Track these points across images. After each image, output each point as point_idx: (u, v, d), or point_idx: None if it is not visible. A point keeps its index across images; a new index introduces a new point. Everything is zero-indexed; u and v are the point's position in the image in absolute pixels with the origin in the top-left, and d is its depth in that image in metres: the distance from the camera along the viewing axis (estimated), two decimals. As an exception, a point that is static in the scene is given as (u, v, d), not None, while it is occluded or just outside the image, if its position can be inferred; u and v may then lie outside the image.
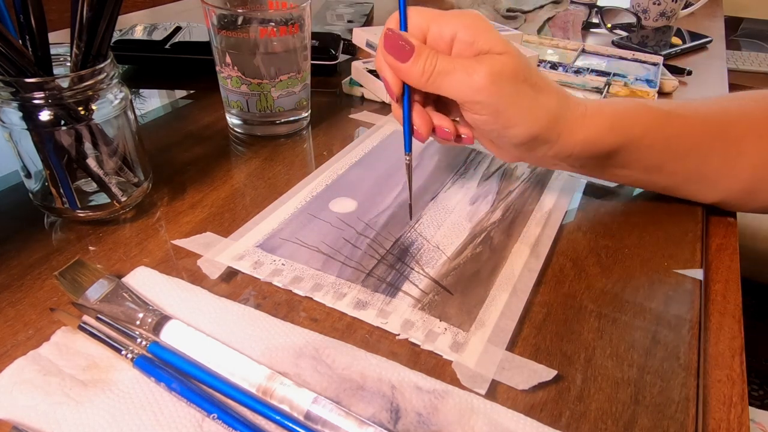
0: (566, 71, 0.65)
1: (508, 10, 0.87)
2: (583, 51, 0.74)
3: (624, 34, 0.85)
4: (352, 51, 0.69)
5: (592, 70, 0.64)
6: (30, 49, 0.32)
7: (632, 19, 0.90)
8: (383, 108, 0.56)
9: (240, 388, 0.25)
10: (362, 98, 0.59)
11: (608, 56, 0.71)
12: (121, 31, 0.64)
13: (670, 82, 0.64)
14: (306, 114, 0.52)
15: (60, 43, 0.35)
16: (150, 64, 0.63)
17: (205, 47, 0.56)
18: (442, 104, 0.37)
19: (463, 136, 0.37)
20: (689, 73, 0.69)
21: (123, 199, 0.37)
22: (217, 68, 0.47)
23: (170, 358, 0.26)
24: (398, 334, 0.30)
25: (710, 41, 0.84)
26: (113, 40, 0.54)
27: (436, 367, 0.28)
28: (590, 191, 0.44)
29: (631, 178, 0.40)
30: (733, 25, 1.70)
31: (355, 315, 0.31)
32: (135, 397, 0.25)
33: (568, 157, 0.36)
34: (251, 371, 0.26)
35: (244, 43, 0.45)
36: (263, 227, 0.37)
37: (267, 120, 0.49)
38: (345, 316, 0.31)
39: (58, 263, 0.33)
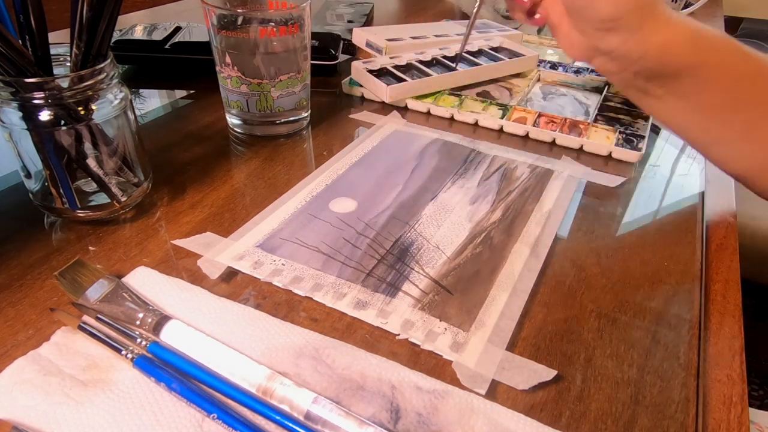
0: (566, 71, 0.65)
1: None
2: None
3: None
4: (352, 51, 0.69)
5: (592, 70, 0.64)
6: (30, 49, 0.32)
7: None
8: (383, 108, 0.56)
9: (240, 388, 0.25)
10: (362, 98, 0.59)
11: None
12: (121, 31, 0.64)
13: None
14: (306, 114, 0.52)
15: (60, 43, 0.35)
16: (150, 64, 0.63)
17: (205, 47, 0.56)
18: None
19: (537, 16, 0.39)
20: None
21: (123, 199, 0.37)
22: (217, 68, 0.47)
23: (170, 358, 0.26)
24: (398, 334, 0.30)
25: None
26: (113, 40, 0.54)
27: (436, 367, 0.28)
28: (590, 191, 0.44)
29: (681, 116, 0.38)
30: (733, 25, 1.70)
31: (355, 315, 0.31)
32: (135, 397, 0.25)
33: (639, 60, 0.35)
34: (251, 371, 0.26)
35: (244, 43, 0.45)
36: (263, 227, 0.37)
37: (267, 120, 0.49)
38: (345, 316, 0.31)
39: (58, 263, 0.33)
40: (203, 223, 0.38)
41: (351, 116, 0.55)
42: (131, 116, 0.37)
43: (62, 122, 0.33)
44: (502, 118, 0.53)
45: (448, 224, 0.39)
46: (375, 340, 0.29)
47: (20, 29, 0.32)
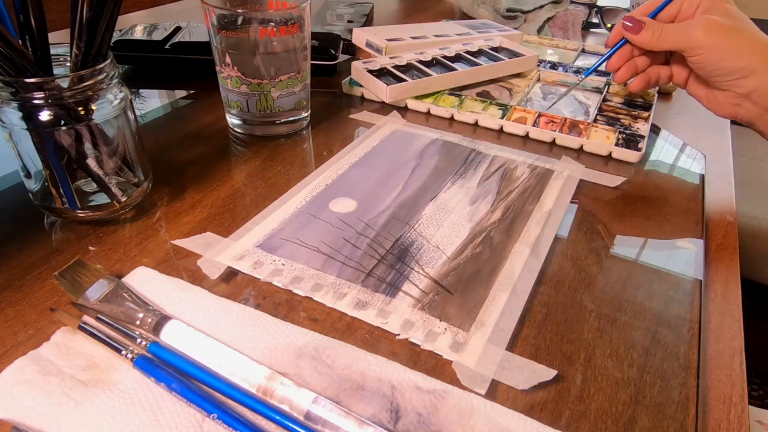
0: (566, 71, 0.65)
1: (508, 10, 0.87)
2: (583, 51, 0.74)
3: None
4: (352, 51, 0.69)
5: (592, 71, 0.64)
6: (30, 49, 0.32)
7: (632, 19, 0.90)
8: (383, 108, 0.56)
9: (240, 388, 0.25)
10: (362, 98, 0.59)
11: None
12: (121, 31, 0.64)
13: (670, 82, 0.64)
14: (306, 114, 0.52)
15: (60, 43, 0.35)
16: (150, 64, 0.63)
17: (205, 47, 0.56)
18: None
19: (630, 81, 0.51)
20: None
21: (123, 199, 0.37)
22: (217, 68, 0.47)
23: (170, 358, 0.26)
24: (398, 334, 0.30)
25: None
26: (113, 40, 0.54)
27: (436, 367, 0.28)
28: (590, 191, 0.44)
29: None
30: (733, 25, 1.69)
31: (355, 315, 0.31)
32: (135, 397, 0.25)
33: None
34: (251, 371, 0.26)
35: (244, 43, 0.45)
36: (263, 227, 0.37)
37: (267, 120, 0.49)
38: (345, 316, 0.31)
39: (58, 263, 0.33)
40: (203, 223, 0.38)
41: (351, 116, 0.55)
42: (131, 116, 0.37)
43: (62, 122, 0.33)
44: (502, 118, 0.53)
45: (448, 224, 0.39)
46: (375, 340, 0.29)
47: (20, 29, 0.32)
